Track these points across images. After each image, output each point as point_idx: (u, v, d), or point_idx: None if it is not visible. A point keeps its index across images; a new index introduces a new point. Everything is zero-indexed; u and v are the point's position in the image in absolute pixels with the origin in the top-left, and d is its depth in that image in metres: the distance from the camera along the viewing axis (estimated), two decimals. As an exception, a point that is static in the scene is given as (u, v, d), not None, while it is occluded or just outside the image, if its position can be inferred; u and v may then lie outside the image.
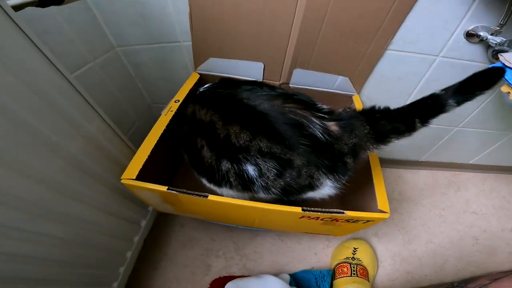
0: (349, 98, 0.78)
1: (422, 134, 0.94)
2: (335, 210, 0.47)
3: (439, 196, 1.05)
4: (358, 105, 0.75)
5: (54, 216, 0.45)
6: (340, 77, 0.74)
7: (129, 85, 0.80)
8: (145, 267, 0.79)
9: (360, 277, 0.73)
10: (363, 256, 0.78)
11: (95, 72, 0.64)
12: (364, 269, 0.75)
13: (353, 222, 0.50)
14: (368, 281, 0.74)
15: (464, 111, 0.86)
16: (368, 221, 0.50)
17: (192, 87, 0.68)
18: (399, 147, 1.01)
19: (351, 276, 0.73)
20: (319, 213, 0.47)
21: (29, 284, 0.43)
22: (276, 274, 0.77)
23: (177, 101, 0.62)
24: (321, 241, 0.87)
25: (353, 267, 0.74)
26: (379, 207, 0.49)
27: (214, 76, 0.75)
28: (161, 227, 0.85)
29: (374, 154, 0.60)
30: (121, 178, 0.47)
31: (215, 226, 0.86)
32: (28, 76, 0.38)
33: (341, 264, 0.76)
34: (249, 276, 0.75)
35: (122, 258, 0.68)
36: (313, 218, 0.49)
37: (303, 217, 0.49)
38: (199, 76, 0.74)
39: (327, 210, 0.47)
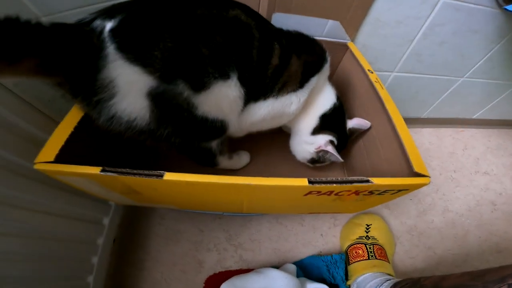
0: (343, 46, 0.61)
1: (426, 87, 0.79)
2: (357, 178, 0.30)
3: (448, 157, 0.90)
4: (358, 54, 0.58)
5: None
6: (330, 21, 0.57)
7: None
8: (129, 269, 0.63)
9: (379, 258, 0.57)
10: (378, 233, 0.62)
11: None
12: (382, 248, 0.60)
13: (380, 193, 0.34)
14: (389, 262, 0.58)
15: (471, 60, 0.74)
16: (400, 190, 0.33)
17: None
18: (398, 102, 0.87)
19: (368, 259, 0.57)
20: (334, 185, 0.30)
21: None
22: (279, 265, 0.62)
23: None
24: (326, 220, 0.70)
25: (369, 248, 0.59)
26: (416, 170, 0.33)
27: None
28: (137, 222, 0.68)
29: (389, 99, 0.43)
30: (34, 162, 0.29)
31: (201, 215, 0.69)
32: None
33: (355, 246, 0.60)
34: (247, 271, 0.59)
35: (88, 265, 0.53)
36: (324, 194, 0.32)
37: (310, 193, 0.32)
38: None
39: (345, 179, 0.30)
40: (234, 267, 0.64)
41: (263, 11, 0.54)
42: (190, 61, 0.31)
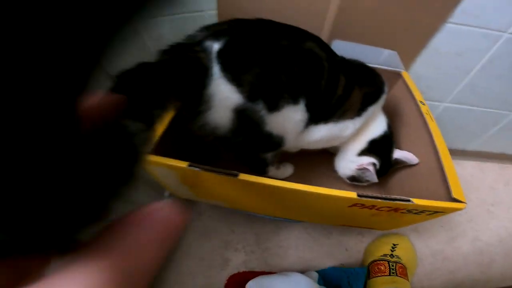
0: (397, 75, 0.65)
1: (476, 119, 0.81)
2: (399, 197, 0.36)
3: (488, 191, 0.92)
4: (411, 84, 0.62)
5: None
6: (387, 51, 0.62)
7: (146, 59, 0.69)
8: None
9: (400, 276, 0.61)
10: (403, 253, 0.66)
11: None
12: (404, 267, 0.64)
13: (417, 213, 0.39)
14: (408, 281, 0.62)
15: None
16: (436, 212, 0.38)
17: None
18: (445, 132, 0.87)
19: (389, 275, 0.61)
20: (378, 200, 0.36)
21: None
22: (302, 272, 0.67)
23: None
24: (353, 236, 0.75)
25: (392, 265, 0.63)
26: (454, 195, 0.38)
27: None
28: (176, 216, 0.76)
29: (437, 132, 0.48)
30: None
31: (236, 216, 0.76)
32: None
33: (378, 262, 0.65)
34: (271, 273, 0.64)
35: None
36: (367, 207, 0.38)
37: (354, 205, 0.38)
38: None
39: (389, 197, 0.36)
40: (257, 269, 0.69)
41: (324, 38, 0.59)
42: (272, 86, 0.38)
